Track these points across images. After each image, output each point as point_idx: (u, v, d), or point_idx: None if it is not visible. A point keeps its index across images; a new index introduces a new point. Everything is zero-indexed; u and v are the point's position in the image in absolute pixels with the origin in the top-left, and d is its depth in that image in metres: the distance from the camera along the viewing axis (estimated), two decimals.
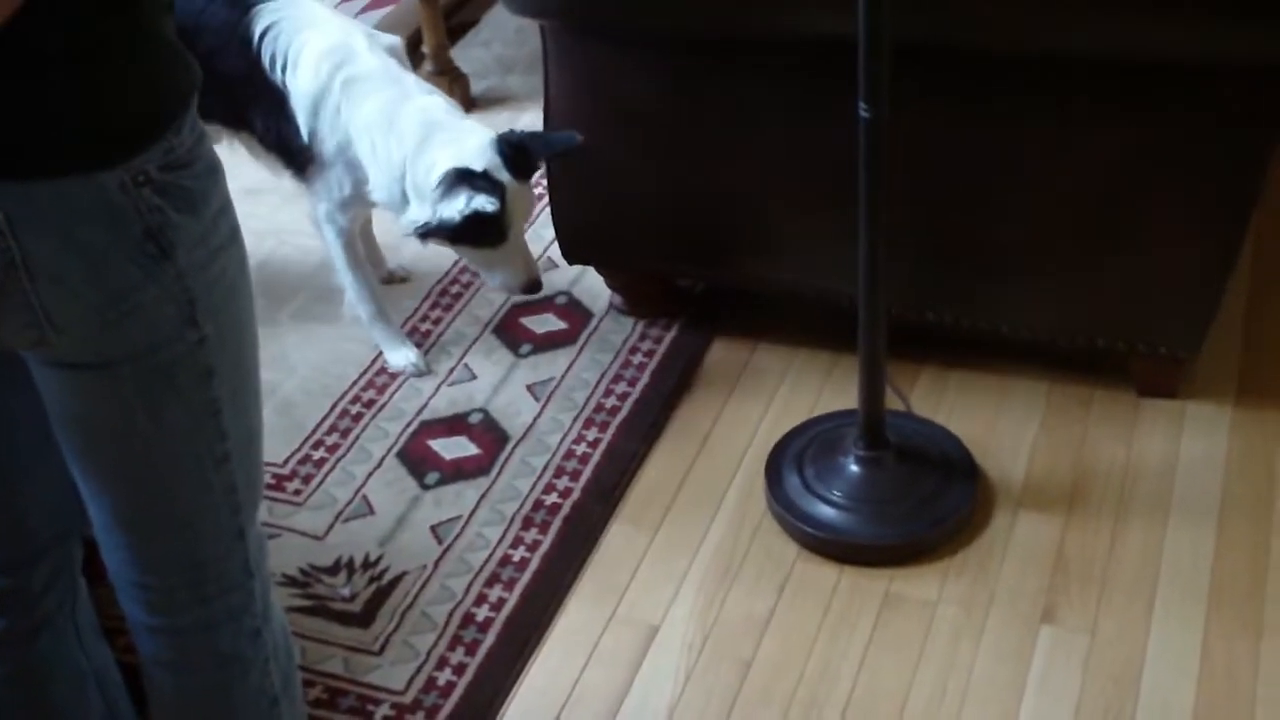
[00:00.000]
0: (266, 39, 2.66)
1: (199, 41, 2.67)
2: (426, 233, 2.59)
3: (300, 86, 2.65)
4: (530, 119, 3.51)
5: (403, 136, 2.60)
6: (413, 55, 3.30)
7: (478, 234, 2.59)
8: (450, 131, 2.61)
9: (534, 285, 2.74)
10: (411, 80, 2.70)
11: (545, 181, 2.91)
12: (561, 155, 2.67)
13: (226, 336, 1.48)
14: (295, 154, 2.73)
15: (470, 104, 3.83)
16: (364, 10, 4.06)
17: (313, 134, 2.67)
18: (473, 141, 2.59)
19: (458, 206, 2.53)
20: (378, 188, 2.67)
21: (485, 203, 2.53)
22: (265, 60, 2.66)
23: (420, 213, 2.59)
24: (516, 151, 2.59)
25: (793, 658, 2.32)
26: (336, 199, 2.78)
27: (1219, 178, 2.45)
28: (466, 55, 4.10)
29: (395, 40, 2.80)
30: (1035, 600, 2.39)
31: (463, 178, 2.55)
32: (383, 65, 2.67)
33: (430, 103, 2.66)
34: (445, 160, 2.57)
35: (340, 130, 2.66)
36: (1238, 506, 2.53)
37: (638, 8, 2.61)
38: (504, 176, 2.58)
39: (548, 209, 2.98)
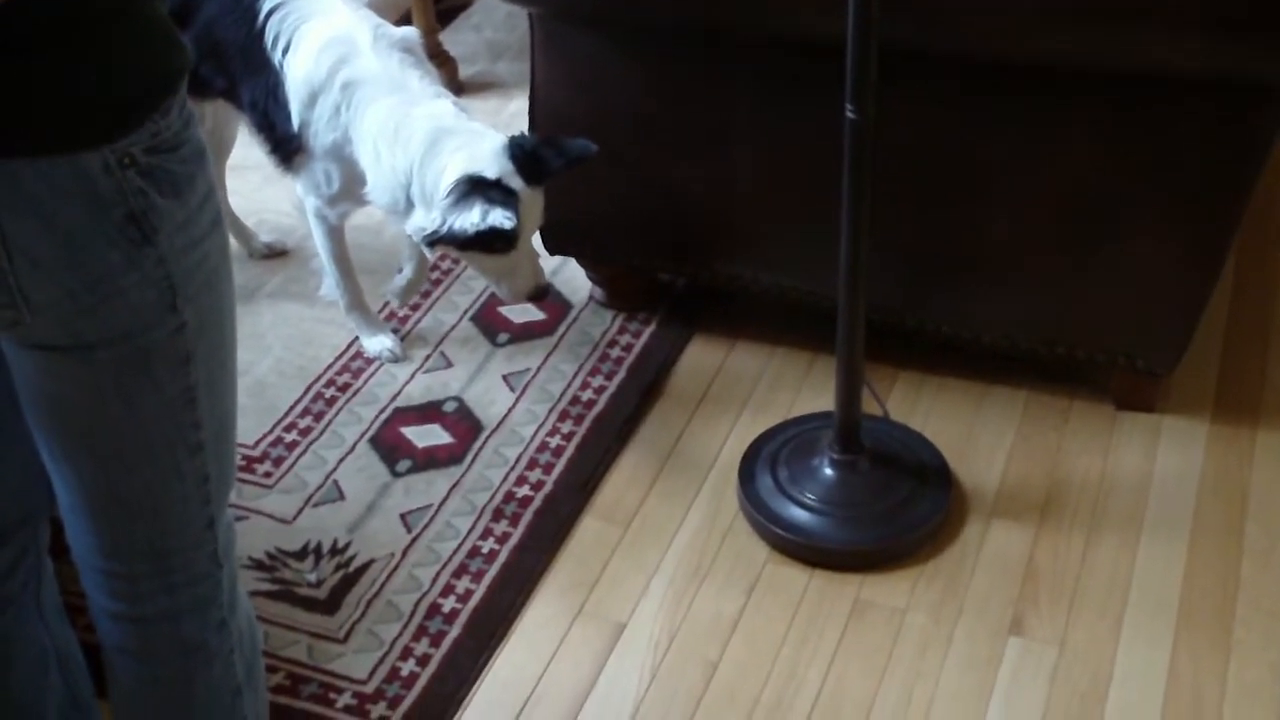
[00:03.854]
0: (274, 17, 2.61)
1: (205, 4, 2.66)
2: (434, 240, 2.50)
3: (296, 73, 2.59)
4: (518, 106, 3.49)
5: (409, 143, 2.51)
6: None
7: (488, 243, 2.50)
8: (460, 136, 2.51)
9: (541, 293, 2.66)
10: (417, 81, 2.59)
11: None
12: (576, 165, 2.53)
13: (206, 323, 1.46)
14: (282, 141, 2.67)
15: (458, 89, 3.81)
16: None
17: (304, 125, 2.61)
18: (485, 147, 2.49)
19: (472, 219, 2.43)
20: (377, 192, 2.59)
21: (502, 218, 2.43)
22: (268, 38, 2.61)
23: (427, 220, 2.50)
24: (529, 157, 2.50)
25: (759, 660, 2.32)
26: (325, 195, 2.74)
27: (1204, 193, 2.45)
28: (456, 39, 4.08)
29: (410, 33, 2.71)
30: (1004, 611, 2.39)
31: (475, 186, 2.46)
32: (384, 67, 2.57)
33: (438, 107, 2.56)
34: (456, 166, 2.48)
35: (339, 130, 2.58)
36: (1210, 524, 2.53)
37: None
38: (517, 184, 2.48)
39: None
